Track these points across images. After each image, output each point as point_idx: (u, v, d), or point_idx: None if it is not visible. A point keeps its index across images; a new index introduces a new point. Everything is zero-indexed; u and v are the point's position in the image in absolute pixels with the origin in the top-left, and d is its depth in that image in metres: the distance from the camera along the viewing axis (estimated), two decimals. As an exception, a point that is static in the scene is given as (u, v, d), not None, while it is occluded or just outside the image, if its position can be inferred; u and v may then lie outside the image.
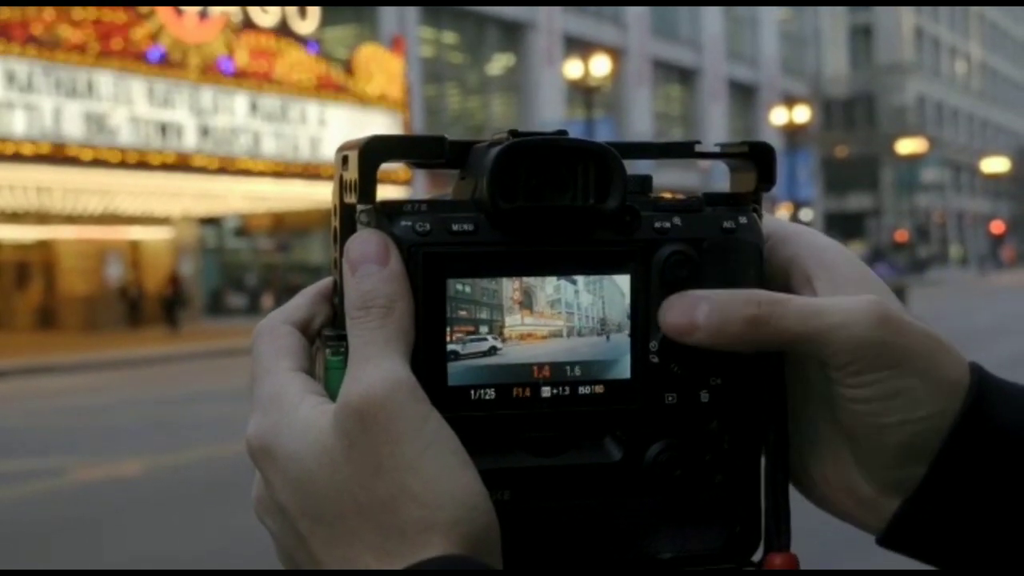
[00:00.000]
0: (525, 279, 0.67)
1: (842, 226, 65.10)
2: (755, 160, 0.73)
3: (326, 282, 0.72)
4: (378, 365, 0.63)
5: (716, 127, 49.35)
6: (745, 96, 54.67)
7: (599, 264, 0.68)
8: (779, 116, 45.69)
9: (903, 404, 0.67)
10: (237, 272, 37.23)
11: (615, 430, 0.69)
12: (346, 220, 0.67)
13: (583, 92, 32.05)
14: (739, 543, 0.72)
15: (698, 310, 0.68)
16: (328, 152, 27.15)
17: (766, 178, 0.73)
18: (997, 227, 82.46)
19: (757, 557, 0.73)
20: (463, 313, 0.66)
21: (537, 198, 0.67)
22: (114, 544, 7.88)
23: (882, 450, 0.69)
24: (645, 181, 0.71)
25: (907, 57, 74.31)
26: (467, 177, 0.68)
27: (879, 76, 73.64)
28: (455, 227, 0.66)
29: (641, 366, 0.69)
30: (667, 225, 0.69)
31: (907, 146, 67.02)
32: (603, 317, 0.69)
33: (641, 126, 43.94)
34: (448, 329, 0.66)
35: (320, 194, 28.44)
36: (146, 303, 31.99)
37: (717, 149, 0.75)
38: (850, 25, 73.60)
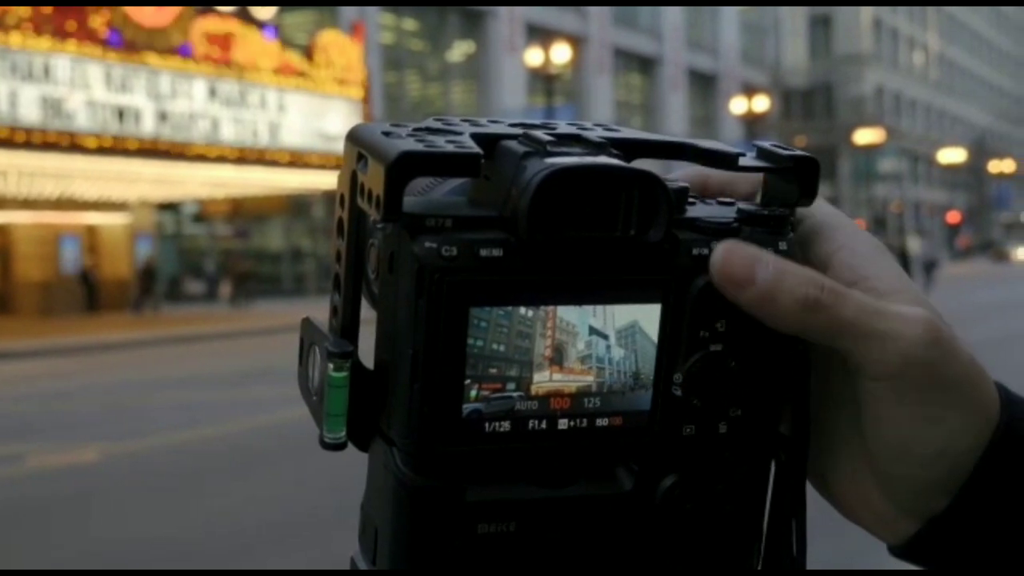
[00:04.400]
0: (557, 327, 0.62)
1: (800, 215, 65.18)
2: (798, 174, 0.68)
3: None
4: None
5: (676, 116, 49.55)
6: (705, 85, 54.85)
7: (631, 293, 0.64)
8: (738, 105, 45.95)
9: (940, 435, 0.65)
10: (196, 258, 37.03)
11: (629, 461, 0.67)
12: (355, 224, 0.63)
13: (544, 80, 32.08)
14: (736, 560, 0.71)
15: (759, 266, 0.64)
16: (287, 138, 27.06)
17: (808, 193, 0.68)
18: (953, 217, 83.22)
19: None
20: (492, 371, 0.61)
21: (576, 228, 0.62)
22: (73, 531, 7.85)
23: (907, 479, 0.66)
24: (681, 193, 0.66)
25: (866, 48, 74.73)
26: (492, 179, 0.63)
27: (838, 66, 74.00)
28: (483, 252, 0.60)
29: (662, 398, 0.66)
30: (705, 252, 0.65)
31: (865, 136, 67.45)
32: (636, 371, 0.65)
33: (602, 114, 44.00)
34: (476, 386, 0.61)
35: (279, 181, 28.32)
36: (104, 288, 31.80)
37: (760, 163, 0.69)
38: (809, 16, 73.89)
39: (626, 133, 0.68)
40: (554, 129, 0.66)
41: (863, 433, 0.67)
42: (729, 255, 0.64)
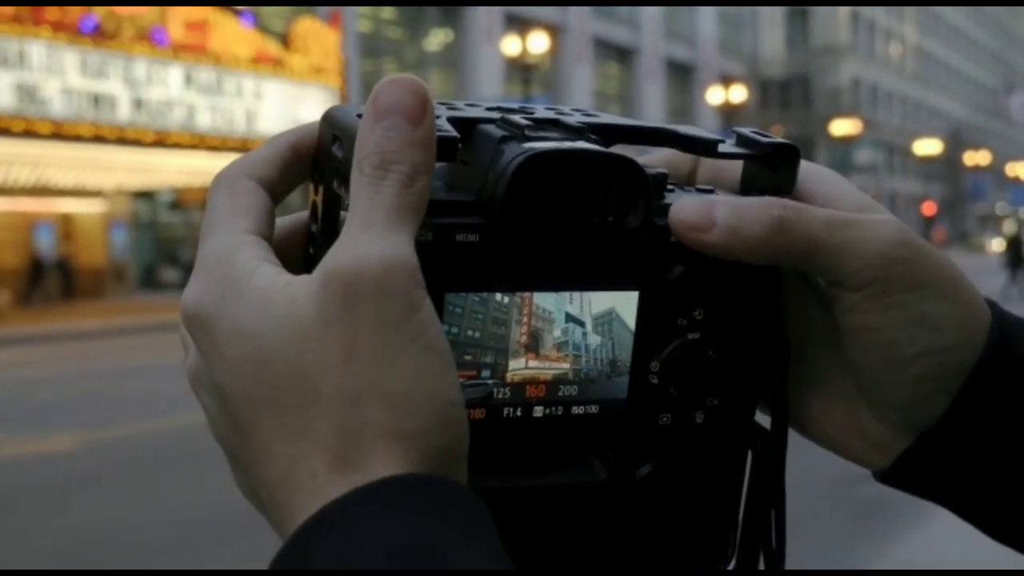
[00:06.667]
0: (533, 314, 0.62)
1: (777, 206, 65.31)
2: (777, 161, 0.67)
3: (299, 135, 0.65)
4: (381, 235, 0.54)
5: (653, 106, 49.56)
6: (682, 75, 54.86)
7: (609, 280, 0.63)
8: (716, 96, 46.04)
9: (926, 333, 0.64)
10: (172, 246, 36.86)
11: (605, 450, 0.66)
12: (329, 207, 0.61)
13: (521, 69, 32.05)
14: (713, 554, 0.70)
15: (716, 208, 0.62)
16: (264, 127, 26.95)
17: (787, 182, 0.67)
18: (929, 208, 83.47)
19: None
20: (467, 358, 0.61)
21: (554, 213, 0.60)
22: (48, 519, 7.82)
23: (899, 386, 0.65)
24: (660, 180, 0.65)
25: (843, 39, 74.89)
26: (469, 163, 0.61)
27: (815, 57, 74.13)
28: (459, 237, 0.59)
29: (639, 386, 0.65)
30: None
31: (842, 127, 67.59)
32: (612, 359, 0.64)
33: (579, 104, 43.89)
34: None
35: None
36: (80, 277, 31.63)
37: (739, 149, 0.68)
38: (787, 7, 74.00)
39: (605, 118, 0.67)
40: (532, 114, 0.65)
41: (848, 351, 0.66)
42: (684, 205, 0.63)
